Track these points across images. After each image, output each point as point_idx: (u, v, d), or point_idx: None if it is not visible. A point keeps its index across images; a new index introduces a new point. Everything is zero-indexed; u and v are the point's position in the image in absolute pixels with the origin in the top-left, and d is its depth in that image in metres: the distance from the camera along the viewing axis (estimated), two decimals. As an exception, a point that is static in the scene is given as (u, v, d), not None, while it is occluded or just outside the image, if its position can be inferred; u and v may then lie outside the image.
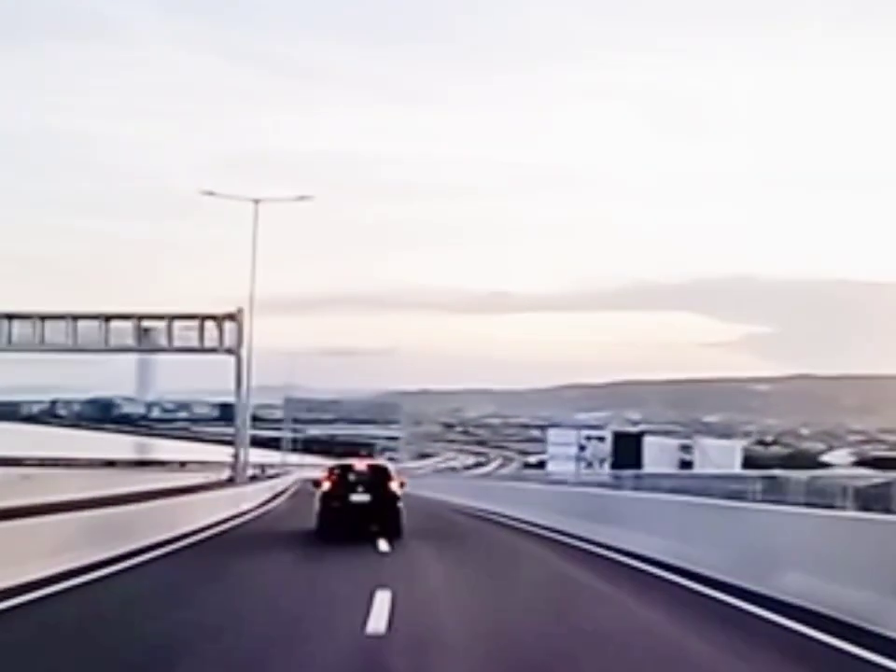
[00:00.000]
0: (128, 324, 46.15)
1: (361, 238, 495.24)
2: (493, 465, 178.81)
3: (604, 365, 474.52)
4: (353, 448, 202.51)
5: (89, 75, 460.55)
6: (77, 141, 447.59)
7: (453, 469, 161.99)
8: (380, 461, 29.14)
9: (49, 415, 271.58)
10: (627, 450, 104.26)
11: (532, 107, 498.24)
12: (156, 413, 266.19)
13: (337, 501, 22.64)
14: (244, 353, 45.52)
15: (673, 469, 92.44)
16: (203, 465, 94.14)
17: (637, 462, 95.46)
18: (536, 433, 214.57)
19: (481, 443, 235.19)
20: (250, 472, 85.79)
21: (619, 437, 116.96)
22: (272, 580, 15.50)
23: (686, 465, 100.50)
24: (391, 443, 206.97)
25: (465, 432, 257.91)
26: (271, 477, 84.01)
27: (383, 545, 20.21)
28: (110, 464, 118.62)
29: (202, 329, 45.42)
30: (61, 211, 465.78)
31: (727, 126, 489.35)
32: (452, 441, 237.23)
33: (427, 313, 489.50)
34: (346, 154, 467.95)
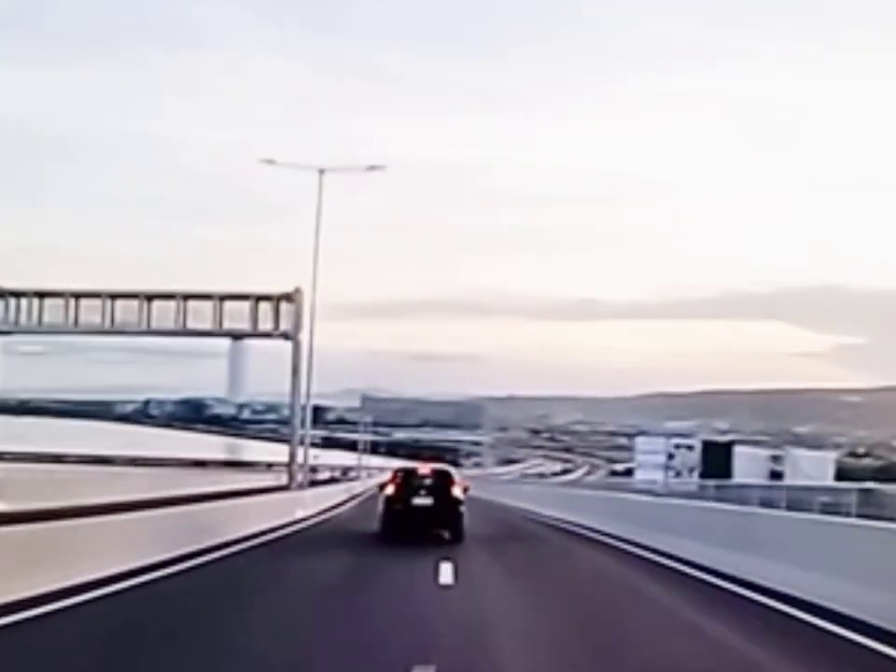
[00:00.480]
0: (171, 304, 39.81)
1: (448, 243, 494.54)
2: (580, 472, 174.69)
3: (691, 374, 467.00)
4: (438, 452, 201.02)
5: (183, 81, 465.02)
6: (170, 146, 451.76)
7: (541, 475, 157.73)
8: (443, 465, 27.30)
9: (142, 415, 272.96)
10: (717, 459, 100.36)
11: (622, 115, 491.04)
12: (246, 415, 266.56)
13: (400, 504, 22.53)
14: (303, 338, 39.83)
15: (763, 480, 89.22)
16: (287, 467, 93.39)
17: (726, 472, 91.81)
18: (622, 441, 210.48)
19: (567, 450, 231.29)
20: (325, 475, 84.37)
21: (708, 446, 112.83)
22: (268, 638, 9.87)
23: (776, 476, 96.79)
24: (477, 448, 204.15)
25: (551, 438, 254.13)
26: (351, 480, 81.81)
27: (445, 573, 15.63)
28: (200, 464, 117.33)
29: (255, 310, 39.38)
30: (152, 214, 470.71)
31: (815, 134, 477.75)
32: (538, 448, 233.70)
33: (513, 319, 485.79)
34: (435, 160, 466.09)
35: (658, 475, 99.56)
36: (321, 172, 40.00)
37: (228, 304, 39.67)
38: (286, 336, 39.55)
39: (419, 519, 22.36)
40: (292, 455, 40.45)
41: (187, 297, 39.78)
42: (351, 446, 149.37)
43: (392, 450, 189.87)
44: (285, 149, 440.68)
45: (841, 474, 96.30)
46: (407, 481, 23.04)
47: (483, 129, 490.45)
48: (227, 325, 39.93)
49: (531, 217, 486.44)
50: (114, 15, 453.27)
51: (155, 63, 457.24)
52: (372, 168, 41.90)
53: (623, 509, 26.94)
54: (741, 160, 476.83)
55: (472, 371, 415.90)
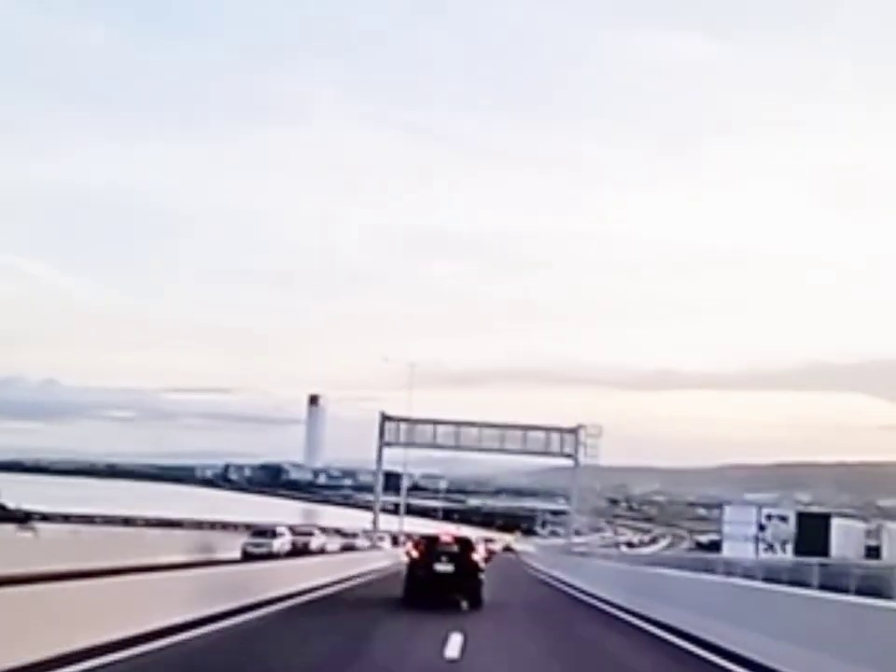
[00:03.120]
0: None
1: (528, 313, 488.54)
2: (662, 543, 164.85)
3: (770, 445, 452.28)
4: (513, 521, 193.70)
5: (267, 153, 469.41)
6: (255, 218, 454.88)
7: (630, 544, 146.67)
8: (464, 533, 27.50)
9: (222, 479, 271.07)
10: (814, 532, 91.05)
11: (700, 185, 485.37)
12: (322, 480, 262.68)
13: (422, 570, 22.93)
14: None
15: (858, 557, 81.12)
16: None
17: (823, 546, 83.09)
18: (702, 511, 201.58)
19: (647, 520, 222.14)
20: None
21: (804, 517, 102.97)
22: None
23: (872, 551, 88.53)
24: (553, 517, 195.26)
25: (630, 508, 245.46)
26: (351, 550, 57.20)
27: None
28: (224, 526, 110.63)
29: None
30: (236, 284, 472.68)
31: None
32: (617, 517, 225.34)
33: (592, 388, 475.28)
34: (514, 230, 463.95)
35: (748, 548, 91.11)
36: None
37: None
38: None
39: (440, 585, 22.66)
40: None
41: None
42: (423, 513, 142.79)
43: (466, 517, 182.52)
44: (362, 217, 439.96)
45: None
46: (430, 548, 23.40)
47: (561, 199, 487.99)
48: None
49: (608, 287, 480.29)
50: (197, 91, 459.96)
51: (243, 138, 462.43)
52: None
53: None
54: (822, 229, 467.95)
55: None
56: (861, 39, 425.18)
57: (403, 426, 66.36)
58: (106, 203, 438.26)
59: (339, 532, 79.81)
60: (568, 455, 68.15)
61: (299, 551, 47.66)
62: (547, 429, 68.23)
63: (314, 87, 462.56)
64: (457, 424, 66.89)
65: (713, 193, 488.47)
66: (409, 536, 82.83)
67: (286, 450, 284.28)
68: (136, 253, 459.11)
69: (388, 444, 68.06)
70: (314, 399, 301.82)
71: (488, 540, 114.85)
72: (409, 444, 69.30)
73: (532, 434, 66.54)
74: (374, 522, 71.92)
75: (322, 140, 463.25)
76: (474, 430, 65.89)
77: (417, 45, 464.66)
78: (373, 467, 75.08)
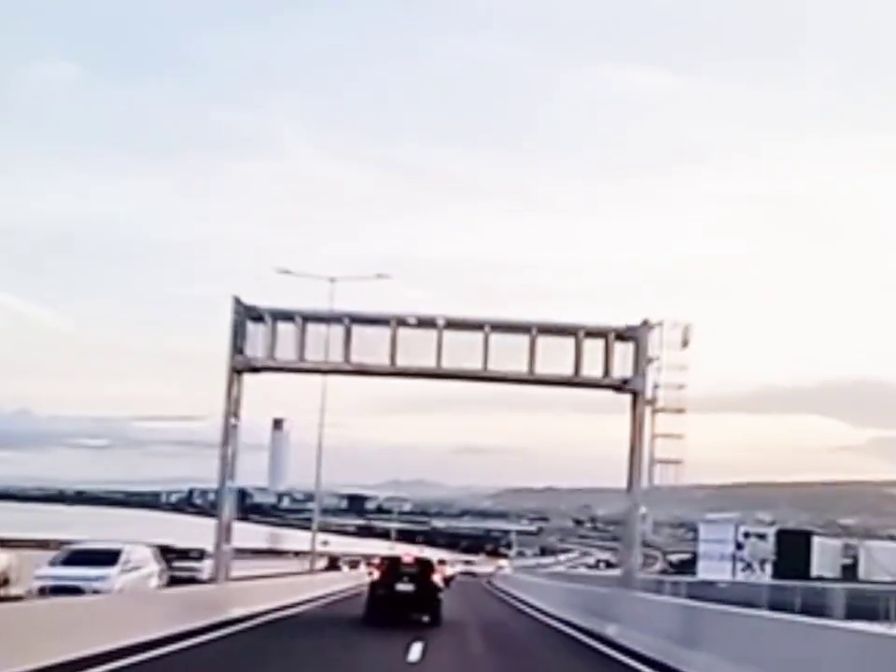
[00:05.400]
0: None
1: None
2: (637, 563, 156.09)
3: (730, 466, 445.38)
4: (478, 542, 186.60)
5: (237, 185, 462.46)
6: (223, 247, 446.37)
7: (609, 564, 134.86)
8: (424, 555, 28.23)
9: (186, 504, 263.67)
10: (794, 551, 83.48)
11: (662, 212, 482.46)
12: (286, 504, 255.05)
13: (384, 590, 23.09)
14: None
15: (835, 575, 74.28)
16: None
17: (804, 565, 75.81)
18: (668, 531, 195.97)
19: (615, 539, 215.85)
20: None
21: (784, 535, 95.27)
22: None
23: (847, 570, 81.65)
24: (518, 538, 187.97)
25: (595, 528, 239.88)
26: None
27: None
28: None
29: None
30: (204, 312, 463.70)
31: (852, 230, 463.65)
32: (584, 538, 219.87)
33: (555, 412, 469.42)
34: (480, 261, 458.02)
35: (725, 568, 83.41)
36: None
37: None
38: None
39: (401, 604, 22.83)
40: None
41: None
42: (386, 535, 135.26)
43: (430, 539, 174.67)
44: (331, 249, 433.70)
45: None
46: (392, 569, 23.54)
47: (528, 229, 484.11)
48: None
49: (570, 314, 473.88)
50: (170, 127, 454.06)
51: (212, 171, 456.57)
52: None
53: None
54: (778, 255, 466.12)
55: (515, 464, 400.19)
56: (821, 70, 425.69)
57: (287, 329, 27.14)
58: (77, 235, 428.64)
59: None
60: (621, 387, 27.76)
61: None
62: (578, 331, 27.15)
63: (283, 120, 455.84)
64: (397, 322, 27.68)
65: (671, 220, 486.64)
66: (335, 557, 66.53)
67: (251, 475, 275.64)
68: (106, 283, 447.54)
69: (256, 369, 27.71)
70: (277, 424, 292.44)
71: (468, 562, 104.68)
72: (294, 369, 27.96)
73: (544, 342, 27.06)
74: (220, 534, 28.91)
75: (292, 173, 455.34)
76: (431, 335, 27.77)
77: (387, 80, 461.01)
78: (338, 490, 56.23)
